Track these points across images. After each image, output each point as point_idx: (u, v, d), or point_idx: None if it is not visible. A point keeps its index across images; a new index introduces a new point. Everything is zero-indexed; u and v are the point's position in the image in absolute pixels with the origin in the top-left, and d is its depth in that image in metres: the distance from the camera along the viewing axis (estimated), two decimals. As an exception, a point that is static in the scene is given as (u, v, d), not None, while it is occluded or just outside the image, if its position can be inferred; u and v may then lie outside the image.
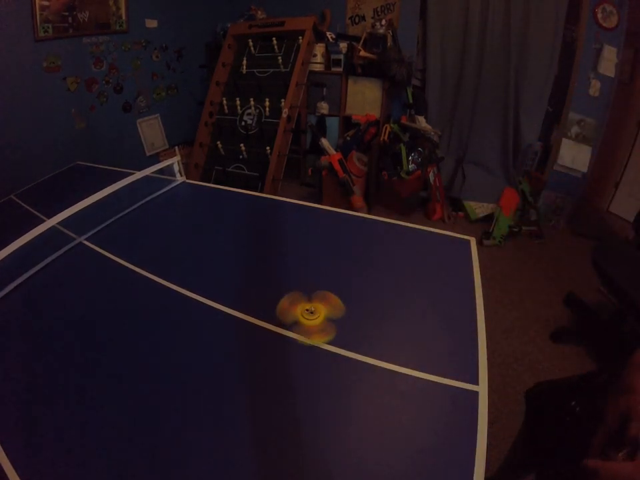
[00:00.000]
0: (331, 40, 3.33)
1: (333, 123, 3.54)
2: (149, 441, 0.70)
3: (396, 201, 3.29)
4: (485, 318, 0.96)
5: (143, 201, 1.61)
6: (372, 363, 0.84)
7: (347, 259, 1.22)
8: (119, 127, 3.25)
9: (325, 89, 3.43)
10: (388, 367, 0.83)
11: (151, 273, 1.15)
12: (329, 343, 0.88)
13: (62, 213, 1.22)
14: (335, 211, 1.53)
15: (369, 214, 1.72)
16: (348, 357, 0.85)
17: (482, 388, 0.77)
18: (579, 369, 1.81)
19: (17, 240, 1.09)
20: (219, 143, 3.31)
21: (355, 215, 1.52)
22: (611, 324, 1.92)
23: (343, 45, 3.27)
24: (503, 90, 3.15)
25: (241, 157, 3.22)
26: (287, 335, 0.91)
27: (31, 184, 2.01)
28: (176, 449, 0.69)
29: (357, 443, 0.70)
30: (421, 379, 0.80)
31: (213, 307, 1.01)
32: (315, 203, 1.62)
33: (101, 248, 1.30)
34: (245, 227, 1.45)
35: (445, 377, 0.80)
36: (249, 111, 3.27)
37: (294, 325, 0.93)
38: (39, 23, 2.44)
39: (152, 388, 0.81)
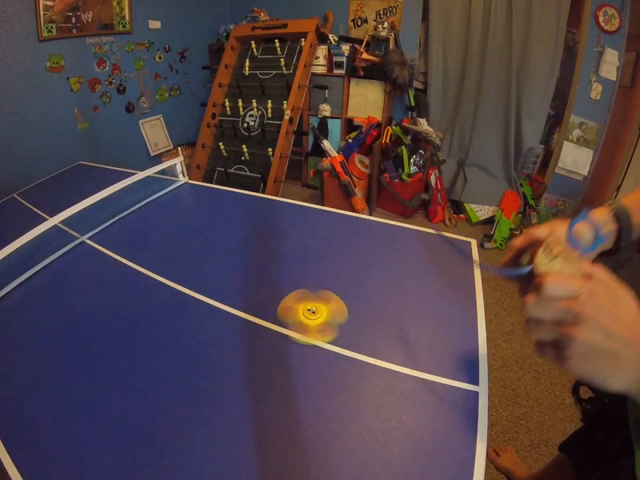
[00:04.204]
0: (333, 42, 3.35)
1: (334, 125, 3.55)
2: (149, 440, 0.71)
3: (397, 203, 3.29)
4: (486, 320, 0.96)
5: (146, 201, 1.61)
6: (372, 362, 0.84)
7: (348, 260, 1.22)
8: (122, 127, 3.26)
9: (327, 91, 3.44)
10: (388, 367, 0.83)
11: (153, 272, 1.16)
12: (331, 343, 0.89)
13: (64, 211, 1.23)
14: (336, 213, 1.54)
15: (370, 216, 1.72)
16: (348, 357, 0.86)
17: (482, 388, 0.77)
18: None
19: (19, 238, 1.09)
20: (221, 144, 3.31)
21: (356, 217, 1.52)
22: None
23: (346, 48, 3.28)
24: (505, 93, 3.16)
25: (242, 158, 3.22)
26: (288, 334, 0.91)
27: (33, 183, 2.02)
28: (177, 448, 0.69)
29: (357, 443, 0.70)
30: (421, 378, 0.80)
31: (215, 307, 1.02)
32: (316, 204, 1.63)
33: (103, 247, 1.30)
34: (246, 228, 1.46)
35: (444, 377, 0.80)
36: (251, 112, 3.28)
37: (294, 325, 0.93)
38: (42, 23, 2.46)
39: (153, 387, 0.81)
